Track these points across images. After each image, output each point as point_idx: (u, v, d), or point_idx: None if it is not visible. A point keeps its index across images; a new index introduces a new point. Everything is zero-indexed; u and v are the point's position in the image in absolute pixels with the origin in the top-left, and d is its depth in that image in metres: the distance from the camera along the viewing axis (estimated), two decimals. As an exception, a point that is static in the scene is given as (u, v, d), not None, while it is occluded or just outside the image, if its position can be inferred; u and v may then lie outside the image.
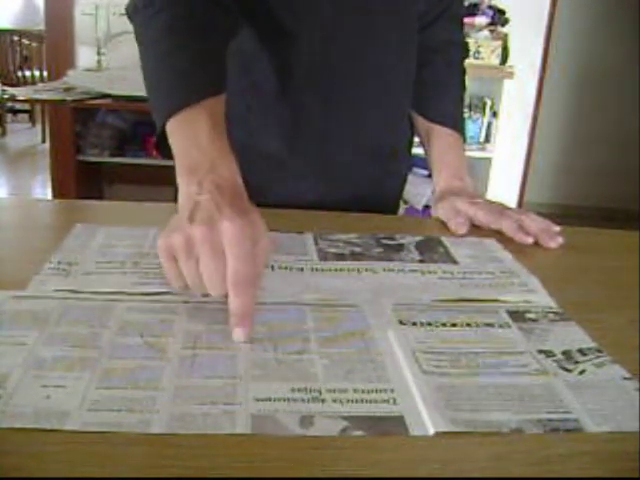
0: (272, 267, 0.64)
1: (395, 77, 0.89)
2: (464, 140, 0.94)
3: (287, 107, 0.84)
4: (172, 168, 0.99)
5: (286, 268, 0.65)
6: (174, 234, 0.52)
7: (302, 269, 0.65)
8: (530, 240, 0.75)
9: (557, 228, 0.78)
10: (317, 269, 0.65)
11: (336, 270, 0.65)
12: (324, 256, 0.68)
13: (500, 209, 0.81)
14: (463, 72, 0.95)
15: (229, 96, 0.68)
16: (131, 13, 0.72)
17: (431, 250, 0.72)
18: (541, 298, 0.62)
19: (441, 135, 0.92)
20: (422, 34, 0.91)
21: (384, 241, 0.74)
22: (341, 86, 0.84)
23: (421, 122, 0.94)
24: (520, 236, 0.75)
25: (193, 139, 0.60)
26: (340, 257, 0.68)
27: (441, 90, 0.93)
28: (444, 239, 0.76)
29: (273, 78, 0.83)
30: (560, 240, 0.75)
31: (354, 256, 0.69)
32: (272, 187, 0.88)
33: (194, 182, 0.56)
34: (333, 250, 0.70)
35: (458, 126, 0.92)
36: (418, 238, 0.76)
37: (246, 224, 0.51)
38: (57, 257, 0.63)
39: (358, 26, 0.82)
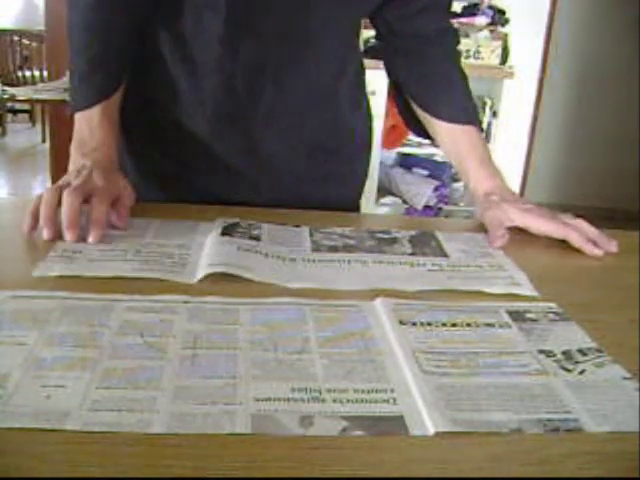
0: (266, 254, 0.66)
1: (332, 79, 0.87)
2: (481, 129, 0.91)
3: (215, 83, 0.81)
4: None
5: (279, 257, 0.66)
6: (62, 180, 0.72)
7: (294, 259, 0.66)
8: (600, 253, 0.74)
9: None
10: (309, 260, 0.66)
11: (327, 261, 0.66)
12: (317, 248, 0.70)
13: (551, 214, 0.79)
14: (460, 59, 0.93)
15: (161, 75, 0.83)
16: None
17: (423, 244, 0.73)
18: (525, 291, 0.63)
19: (461, 134, 0.88)
20: (407, 22, 0.88)
21: (378, 235, 0.75)
22: (273, 73, 0.81)
23: (435, 124, 0.90)
24: (590, 248, 0.74)
25: (86, 122, 0.78)
26: (333, 249, 0.70)
27: (447, 87, 0.90)
28: (438, 234, 0.77)
29: (206, 53, 0.80)
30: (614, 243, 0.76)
31: (346, 248, 0.70)
32: (208, 178, 0.87)
33: (80, 154, 0.76)
34: (327, 242, 0.71)
35: (473, 119, 0.89)
36: (412, 232, 0.77)
37: (109, 184, 0.72)
38: (63, 245, 0.65)
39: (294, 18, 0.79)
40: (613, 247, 0.75)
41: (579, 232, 0.76)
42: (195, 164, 0.87)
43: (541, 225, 0.78)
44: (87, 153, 0.76)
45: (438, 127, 0.90)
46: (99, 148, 0.76)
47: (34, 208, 0.67)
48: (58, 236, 0.66)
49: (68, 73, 0.82)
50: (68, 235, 0.65)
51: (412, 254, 0.70)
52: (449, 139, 0.90)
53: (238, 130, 0.84)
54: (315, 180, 0.91)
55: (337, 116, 0.90)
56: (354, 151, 0.96)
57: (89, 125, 0.78)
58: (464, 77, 0.91)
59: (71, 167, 0.75)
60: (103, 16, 0.79)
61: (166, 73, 0.83)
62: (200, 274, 0.60)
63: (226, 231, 0.70)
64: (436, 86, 0.90)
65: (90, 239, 0.66)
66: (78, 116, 0.79)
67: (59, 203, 0.67)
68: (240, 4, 0.77)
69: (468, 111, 0.90)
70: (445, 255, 0.71)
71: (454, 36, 0.93)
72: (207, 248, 0.66)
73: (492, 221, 0.79)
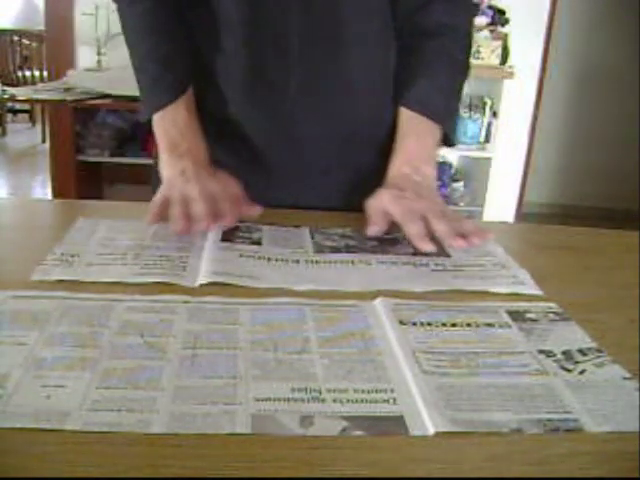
0: (268, 259, 0.66)
1: (365, 61, 0.84)
2: (448, 135, 0.84)
3: (244, 66, 0.80)
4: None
5: (282, 260, 0.66)
6: (173, 189, 0.71)
7: (298, 261, 0.66)
8: (429, 248, 0.67)
9: (470, 228, 0.70)
10: (312, 261, 0.66)
11: (331, 262, 0.66)
12: (320, 249, 0.70)
13: (421, 209, 0.70)
14: (459, 60, 0.86)
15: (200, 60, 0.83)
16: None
17: None
18: (529, 289, 0.63)
19: (407, 120, 0.82)
20: (415, 16, 0.85)
21: (379, 235, 0.75)
22: (308, 60, 0.80)
23: (398, 111, 0.84)
24: (418, 243, 0.68)
25: (172, 123, 0.77)
26: (335, 250, 0.70)
27: (423, 74, 0.84)
28: None
29: (231, 36, 0.80)
30: (472, 241, 0.67)
31: (349, 249, 0.70)
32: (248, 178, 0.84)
33: (175, 156, 0.75)
34: (329, 243, 0.72)
35: (436, 114, 0.82)
36: None
37: (217, 183, 0.73)
38: (60, 249, 0.65)
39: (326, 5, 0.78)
40: (461, 243, 0.66)
41: (419, 227, 0.68)
42: (227, 160, 0.85)
43: (398, 217, 0.71)
44: (183, 154, 0.75)
45: (398, 116, 0.84)
46: (192, 148, 0.76)
47: (159, 209, 0.69)
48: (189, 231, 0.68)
49: (136, 81, 0.81)
50: (207, 227, 0.68)
51: (414, 254, 0.70)
52: (398, 124, 0.84)
53: (269, 115, 0.82)
54: (346, 171, 0.87)
55: (372, 105, 0.86)
56: (389, 144, 0.86)
57: (176, 126, 0.77)
58: (452, 76, 0.85)
59: (169, 171, 0.75)
60: (164, 17, 0.80)
61: (201, 59, 0.83)
62: (202, 280, 0.60)
63: (226, 236, 0.70)
64: (412, 72, 0.84)
65: (226, 221, 0.69)
66: (159, 118, 0.78)
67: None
68: None
69: (432, 105, 0.82)
70: (447, 255, 0.71)
71: (459, 35, 0.86)
72: (207, 253, 0.66)
73: (368, 208, 0.74)
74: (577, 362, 0.50)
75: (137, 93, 0.83)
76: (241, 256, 0.66)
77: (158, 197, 0.71)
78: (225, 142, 0.85)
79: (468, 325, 0.55)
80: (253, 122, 0.83)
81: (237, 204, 0.72)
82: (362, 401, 0.43)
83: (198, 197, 0.69)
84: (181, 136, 0.76)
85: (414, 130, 0.82)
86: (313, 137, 0.84)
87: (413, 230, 0.68)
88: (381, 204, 0.73)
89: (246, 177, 0.82)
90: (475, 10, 0.90)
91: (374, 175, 0.82)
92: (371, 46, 0.84)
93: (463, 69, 0.87)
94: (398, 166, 0.80)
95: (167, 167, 0.75)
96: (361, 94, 0.85)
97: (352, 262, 0.67)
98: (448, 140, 0.85)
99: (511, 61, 3.07)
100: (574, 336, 0.54)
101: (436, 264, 0.68)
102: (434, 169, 0.81)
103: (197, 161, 0.75)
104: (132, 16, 0.80)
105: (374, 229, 0.72)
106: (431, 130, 0.82)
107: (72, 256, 0.63)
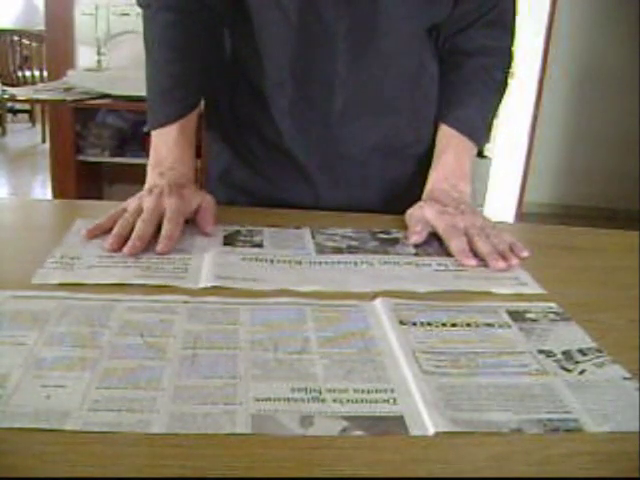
0: (271, 261, 0.65)
1: (406, 89, 0.86)
2: (480, 150, 0.88)
3: (291, 90, 0.83)
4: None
5: (285, 262, 0.66)
6: (134, 200, 0.73)
7: (300, 262, 0.66)
8: (472, 263, 0.68)
9: (509, 244, 0.72)
10: (315, 262, 0.66)
11: (333, 263, 0.66)
12: (321, 250, 0.70)
13: (464, 225, 0.73)
14: (498, 79, 0.90)
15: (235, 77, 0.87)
16: (139, 5, 0.82)
17: (426, 243, 0.74)
18: (533, 290, 0.63)
19: (446, 136, 0.87)
20: (457, 37, 0.87)
21: (379, 235, 0.76)
22: (346, 80, 0.82)
23: (439, 127, 0.88)
24: (462, 258, 0.69)
25: (164, 141, 0.79)
26: (337, 250, 0.70)
27: (463, 93, 0.87)
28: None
29: (279, 53, 0.82)
30: (510, 263, 0.68)
31: (350, 249, 0.70)
32: (283, 185, 0.89)
33: (157, 172, 0.77)
34: (330, 244, 0.72)
35: (473, 133, 0.86)
36: None
37: (180, 203, 0.71)
38: (59, 251, 0.64)
39: (364, 19, 0.80)
40: (501, 264, 0.67)
41: (463, 243, 0.71)
42: (276, 176, 0.89)
43: (441, 231, 0.74)
44: (163, 172, 0.77)
45: (438, 131, 0.88)
46: (175, 167, 0.77)
47: (105, 223, 0.69)
48: (119, 250, 0.65)
49: (146, 87, 0.81)
50: (128, 252, 0.65)
51: (416, 254, 0.71)
52: (437, 140, 0.88)
53: (313, 136, 0.86)
54: (385, 183, 0.91)
55: (412, 126, 0.89)
56: (428, 158, 0.89)
57: (167, 144, 0.79)
58: (492, 95, 0.90)
59: (146, 186, 0.76)
60: (185, 33, 0.80)
61: (250, 81, 0.86)
62: (205, 284, 0.59)
63: (227, 241, 0.70)
64: (453, 90, 0.88)
65: (158, 248, 0.65)
66: (155, 133, 0.80)
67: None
68: (308, 6, 0.78)
69: (471, 124, 0.87)
70: (448, 254, 0.71)
71: (500, 56, 0.89)
72: (210, 257, 0.65)
73: (410, 218, 0.78)
74: (577, 362, 0.50)
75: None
76: (243, 259, 0.66)
77: (116, 210, 0.71)
78: (274, 159, 0.89)
79: (468, 325, 0.55)
80: (298, 142, 0.87)
81: (201, 215, 0.73)
82: (362, 401, 0.43)
83: (147, 212, 0.69)
84: (167, 154, 0.78)
85: (453, 147, 0.86)
86: (354, 154, 0.88)
87: (457, 246, 0.70)
88: (423, 215, 0.77)
89: (293, 189, 0.89)
90: (514, 29, 0.91)
91: (413, 186, 0.87)
92: (413, 75, 0.86)
93: (501, 88, 0.92)
94: (436, 181, 0.84)
95: (146, 182, 0.78)
96: (401, 116, 0.88)
97: (355, 263, 0.67)
98: (478, 152, 0.90)
99: (511, 61, 3.06)
100: (574, 336, 0.54)
101: (438, 264, 0.68)
102: (468, 186, 0.85)
103: (173, 179, 0.75)
104: (154, 26, 0.80)
105: (416, 238, 0.74)
106: (468, 148, 0.87)
107: (72, 259, 0.63)
